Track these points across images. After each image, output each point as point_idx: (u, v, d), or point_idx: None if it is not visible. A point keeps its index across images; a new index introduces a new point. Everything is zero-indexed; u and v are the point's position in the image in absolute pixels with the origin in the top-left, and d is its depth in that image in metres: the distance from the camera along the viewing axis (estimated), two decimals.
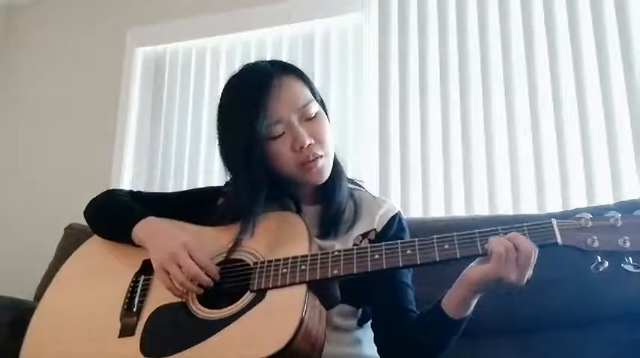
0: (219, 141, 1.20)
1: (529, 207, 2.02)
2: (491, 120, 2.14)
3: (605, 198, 1.91)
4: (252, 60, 2.63)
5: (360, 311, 1.18)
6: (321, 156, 1.12)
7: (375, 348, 1.17)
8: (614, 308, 1.49)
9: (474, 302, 1.01)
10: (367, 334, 1.19)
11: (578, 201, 1.95)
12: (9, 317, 1.52)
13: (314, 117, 1.14)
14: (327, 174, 1.15)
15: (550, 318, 1.52)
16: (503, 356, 1.52)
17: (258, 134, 1.09)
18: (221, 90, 1.20)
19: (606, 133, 1.98)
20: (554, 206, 1.97)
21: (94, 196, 1.31)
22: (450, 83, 2.21)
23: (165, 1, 2.83)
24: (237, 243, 1.11)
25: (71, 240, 1.94)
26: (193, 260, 1.06)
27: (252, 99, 1.10)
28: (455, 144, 2.16)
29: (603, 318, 1.49)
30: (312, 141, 1.11)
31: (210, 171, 2.54)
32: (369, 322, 1.19)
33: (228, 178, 1.22)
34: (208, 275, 1.06)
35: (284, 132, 1.11)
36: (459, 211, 2.10)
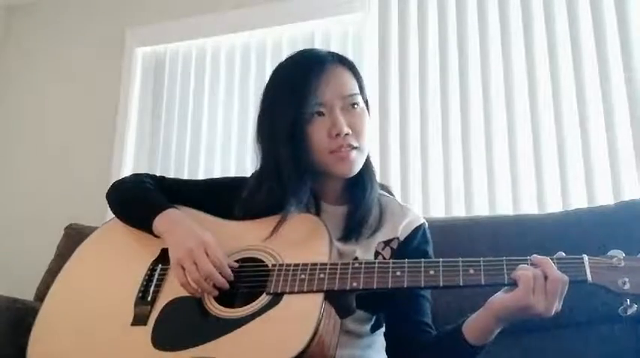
0: (262, 122, 1.19)
1: (529, 207, 2.02)
2: (491, 120, 2.14)
3: (605, 198, 1.91)
4: (252, 60, 2.63)
5: (374, 317, 1.17)
6: (355, 148, 1.12)
7: (384, 355, 1.16)
8: (616, 308, 1.49)
9: (497, 330, 0.99)
10: (377, 340, 1.18)
11: (578, 201, 1.95)
12: (9, 317, 1.52)
13: (356, 109, 1.14)
14: (357, 167, 1.14)
15: (550, 318, 1.52)
16: (503, 355, 1.52)
17: (303, 114, 1.10)
18: (275, 68, 1.22)
19: (606, 133, 1.98)
20: (554, 206, 1.97)
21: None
22: (450, 83, 2.22)
23: (165, 1, 2.83)
24: (284, 219, 1.10)
25: (71, 240, 1.93)
26: (209, 258, 1.05)
27: (303, 79, 1.12)
28: (455, 144, 2.16)
29: (603, 318, 1.49)
30: (350, 132, 1.11)
31: (210, 171, 2.54)
32: (381, 329, 1.19)
33: (259, 167, 1.19)
34: (222, 276, 1.05)
35: (325, 116, 1.12)
36: (459, 211, 2.10)
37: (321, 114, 1.11)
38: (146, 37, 2.81)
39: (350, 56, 2.53)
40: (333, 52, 1.21)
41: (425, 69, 2.26)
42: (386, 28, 2.34)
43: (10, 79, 3.05)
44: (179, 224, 1.13)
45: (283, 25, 2.56)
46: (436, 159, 2.17)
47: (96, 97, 2.82)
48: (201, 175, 2.55)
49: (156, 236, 1.16)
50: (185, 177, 2.56)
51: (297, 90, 1.11)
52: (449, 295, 1.39)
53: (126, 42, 2.82)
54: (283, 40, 2.56)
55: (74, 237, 1.93)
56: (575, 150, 2.01)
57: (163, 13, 2.80)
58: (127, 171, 2.66)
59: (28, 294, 1.79)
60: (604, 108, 2.00)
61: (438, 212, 2.11)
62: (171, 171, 2.60)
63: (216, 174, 2.52)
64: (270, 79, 1.21)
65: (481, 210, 2.07)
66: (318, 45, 2.48)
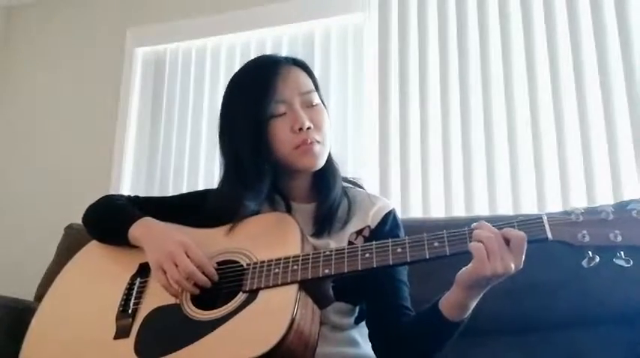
0: (223, 126, 1.22)
1: (529, 207, 2.01)
2: (491, 120, 2.14)
3: (605, 198, 1.91)
4: None
5: (357, 309, 1.18)
6: (318, 142, 1.15)
7: (369, 344, 1.17)
8: (614, 309, 1.49)
9: (473, 304, 1.00)
10: (364, 332, 1.19)
11: (578, 201, 1.95)
12: (9, 317, 1.52)
13: (315, 105, 1.18)
14: (321, 161, 1.17)
15: (550, 318, 1.52)
16: (503, 356, 1.52)
17: (264, 112, 1.13)
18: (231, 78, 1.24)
19: (606, 133, 1.98)
20: (554, 206, 1.96)
21: (93, 201, 1.32)
22: (450, 83, 2.21)
23: (165, 1, 2.83)
24: (241, 218, 1.13)
25: (71, 240, 1.93)
26: (190, 258, 1.06)
27: (259, 80, 1.16)
28: (455, 144, 2.16)
29: (603, 318, 1.49)
30: (311, 126, 1.14)
31: (210, 172, 2.54)
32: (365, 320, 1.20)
33: (222, 173, 1.23)
34: (205, 275, 1.06)
35: (285, 113, 1.15)
36: (459, 211, 2.10)
37: (282, 114, 1.14)
38: (146, 37, 2.81)
39: (350, 56, 2.56)
40: (286, 56, 1.25)
41: (425, 69, 2.25)
42: (386, 28, 2.34)
43: (10, 79, 3.05)
44: (155, 229, 1.16)
45: (283, 25, 2.55)
46: (436, 160, 2.17)
47: (96, 97, 2.82)
48: (201, 175, 2.55)
49: (133, 246, 1.17)
50: (185, 177, 2.57)
51: (255, 92, 1.15)
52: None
53: (126, 42, 2.82)
54: (283, 40, 2.56)
55: (74, 237, 1.93)
56: (575, 150, 2.01)
57: (163, 13, 2.80)
58: (127, 171, 2.66)
59: (28, 294, 1.79)
60: (604, 108, 1.99)
61: (438, 212, 2.11)
62: (171, 172, 2.60)
63: (216, 174, 2.51)
64: (226, 89, 1.24)
65: (481, 210, 2.07)
66: (318, 45, 2.48)
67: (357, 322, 1.18)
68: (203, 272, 1.06)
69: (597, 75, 2.03)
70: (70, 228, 2.02)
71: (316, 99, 1.19)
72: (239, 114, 1.17)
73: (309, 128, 1.13)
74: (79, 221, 1.99)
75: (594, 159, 1.98)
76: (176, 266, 1.06)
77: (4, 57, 3.09)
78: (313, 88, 1.21)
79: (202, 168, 2.57)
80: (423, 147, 2.19)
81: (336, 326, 1.14)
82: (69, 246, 1.89)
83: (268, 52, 2.54)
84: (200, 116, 2.62)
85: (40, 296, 1.79)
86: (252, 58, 1.27)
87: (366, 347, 1.18)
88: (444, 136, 2.18)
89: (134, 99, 2.75)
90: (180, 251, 1.07)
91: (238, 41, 2.64)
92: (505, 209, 2.04)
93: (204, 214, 1.21)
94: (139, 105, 2.75)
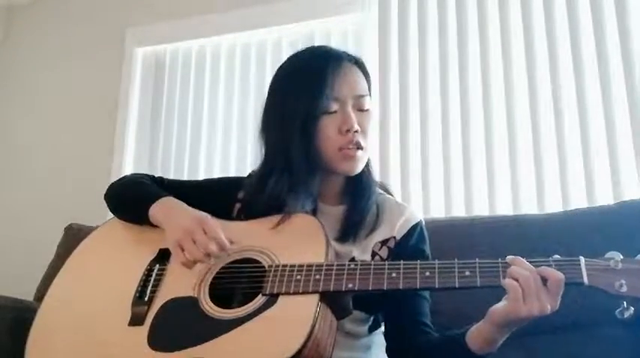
0: (273, 110, 1.18)
1: (529, 207, 2.01)
2: (491, 120, 2.14)
3: (605, 198, 1.91)
4: (252, 60, 2.62)
5: (372, 318, 1.17)
6: (361, 148, 1.13)
7: (383, 355, 1.16)
8: (616, 309, 1.48)
9: (503, 339, 0.98)
10: (376, 340, 1.18)
11: (578, 201, 1.95)
12: (9, 317, 1.52)
13: (366, 111, 1.16)
14: (360, 166, 1.16)
15: (550, 319, 1.52)
16: (503, 356, 1.52)
17: (318, 107, 1.11)
18: (285, 60, 1.23)
19: (606, 133, 1.98)
20: (554, 206, 1.96)
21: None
22: (450, 83, 2.21)
23: (165, 1, 2.83)
24: (289, 215, 1.10)
25: (71, 240, 1.93)
26: (206, 233, 1.05)
27: (319, 72, 1.13)
28: (455, 144, 2.16)
29: (603, 319, 1.49)
30: (359, 129, 1.12)
31: (210, 171, 2.54)
32: (379, 329, 1.19)
33: (265, 166, 1.18)
34: (220, 246, 1.05)
35: (336, 111, 1.13)
36: (459, 211, 2.10)
37: (333, 111, 1.12)
38: (146, 37, 2.80)
39: None
40: (347, 52, 1.22)
41: (425, 69, 2.25)
42: (386, 28, 2.34)
43: (10, 79, 3.05)
44: (175, 208, 1.14)
45: (283, 25, 2.55)
46: (436, 159, 2.17)
47: (96, 97, 2.82)
48: (201, 175, 2.55)
49: (154, 226, 1.16)
50: (185, 177, 2.56)
51: (313, 82, 1.12)
52: (458, 301, 1.36)
53: (126, 42, 2.82)
54: (283, 40, 2.55)
55: (74, 237, 1.93)
56: (575, 150, 2.01)
57: (163, 13, 2.80)
58: (127, 171, 2.66)
59: (28, 294, 1.79)
60: (604, 108, 1.99)
61: (438, 212, 2.11)
62: (171, 171, 2.60)
63: (216, 174, 2.52)
64: (284, 69, 1.21)
65: (481, 210, 2.07)
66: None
67: (371, 330, 1.17)
68: (220, 247, 1.05)
69: (597, 75, 2.02)
70: (70, 228, 2.02)
71: (368, 105, 1.16)
72: (292, 103, 1.13)
73: (356, 131, 1.12)
74: (79, 221, 2.02)
75: (594, 159, 1.98)
76: (194, 243, 1.05)
77: (4, 57, 3.08)
78: (368, 92, 1.19)
79: (202, 168, 2.57)
80: (423, 148, 2.19)
81: (350, 333, 1.13)
82: (69, 246, 1.88)
83: (268, 52, 2.55)
84: (200, 116, 2.62)
85: (40, 297, 1.79)
86: (311, 45, 1.27)
87: (378, 355, 1.17)
88: (444, 136, 2.18)
89: (134, 99, 2.75)
90: (198, 228, 1.05)
91: (238, 41, 2.63)
92: (505, 209, 2.04)
93: (231, 203, 1.19)
94: (139, 105, 2.75)
